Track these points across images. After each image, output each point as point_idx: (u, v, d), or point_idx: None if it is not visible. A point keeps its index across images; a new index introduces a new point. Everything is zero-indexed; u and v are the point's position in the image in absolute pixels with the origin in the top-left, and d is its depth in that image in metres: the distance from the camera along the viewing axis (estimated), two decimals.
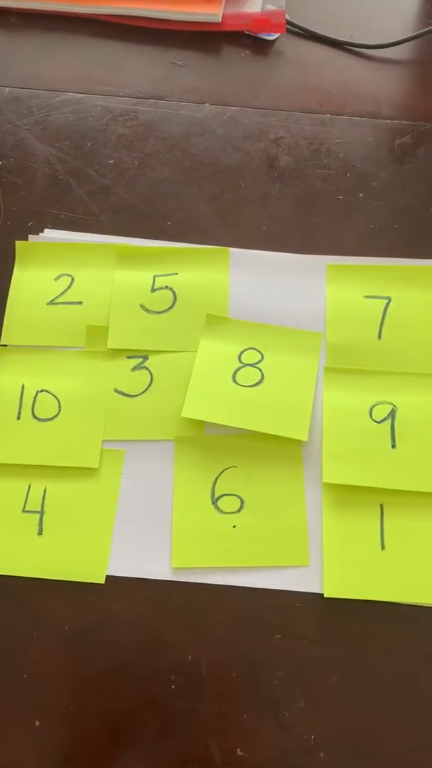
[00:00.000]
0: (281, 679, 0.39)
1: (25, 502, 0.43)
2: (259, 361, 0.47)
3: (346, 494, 0.43)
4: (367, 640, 0.40)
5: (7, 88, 0.60)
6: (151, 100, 0.60)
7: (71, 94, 0.60)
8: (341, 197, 0.54)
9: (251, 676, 0.39)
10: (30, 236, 0.52)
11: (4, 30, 0.64)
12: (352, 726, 0.38)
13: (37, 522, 0.43)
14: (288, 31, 0.64)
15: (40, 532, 0.43)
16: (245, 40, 0.63)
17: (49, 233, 0.52)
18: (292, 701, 0.38)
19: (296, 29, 0.64)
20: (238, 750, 0.37)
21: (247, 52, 0.63)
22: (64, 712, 0.38)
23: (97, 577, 0.41)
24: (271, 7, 0.64)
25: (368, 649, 0.39)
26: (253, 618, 0.40)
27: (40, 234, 0.52)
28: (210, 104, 0.59)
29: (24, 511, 0.43)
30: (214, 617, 0.40)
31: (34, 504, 0.43)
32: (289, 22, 0.63)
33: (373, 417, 0.45)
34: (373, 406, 0.45)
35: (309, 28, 0.63)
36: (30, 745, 0.37)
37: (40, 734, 0.38)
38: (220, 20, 0.63)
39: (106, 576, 0.41)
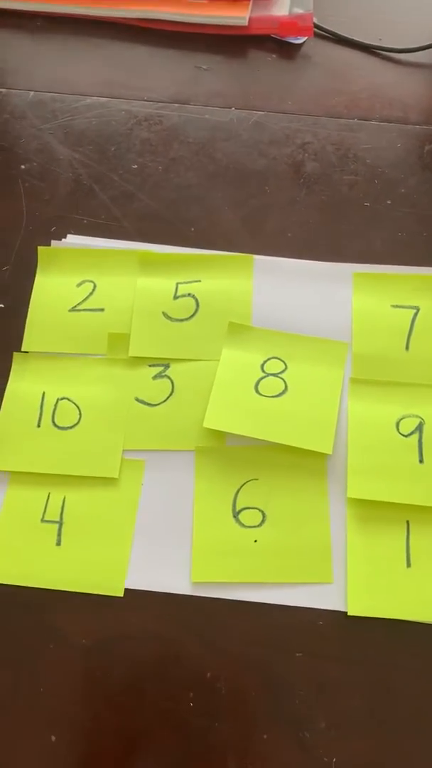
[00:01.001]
0: (302, 699, 0.38)
1: (44, 511, 0.43)
2: (283, 371, 0.46)
3: (372, 510, 0.42)
4: (391, 660, 0.39)
5: (32, 92, 0.60)
6: (176, 105, 0.59)
7: (95, 98, 0.59)
8: (368, 204, 0.53)
9: (271, 695, 0.38)
10: (53, 242, 0.51)
11: (30, 33, 0.64)
12: (375, 749, 0.37)
13: (56, 532, 0.42)
14: (315, 34, 0.63)
15: (58, 543, 0.42)
16: (272, 43, 0.63)
17: (71, 239, 0.52)
18: (313, 722, 0.37)
19: (324, 32, 0.63)
20: None
21: (274, 56, 0.62)
22: (79, 728, 0.37)
23: (115, 590, 0.40)
24: (298, 11, 0.63)
25: (392, 670, 0.38)
26: (274, 635, 0.39)
27: (63, 240, 0.52)
28: (235, 109, 0.59)
29: (43, 520, 0.43)
30: (234, 633, 0.39)
31: (53, 514, 0.43)
32: (316, 26, 0.62)
33: (400, 430, 0.44)
34: (400, 419, 0.44)
35: (337, 31, 0.62)
36: (46, 761, 0.37)
37: (55, 749, 0.37)
38: (246, 23, 0.62)
39: (125, 589, 0.40)
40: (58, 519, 0.43)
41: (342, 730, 0.37)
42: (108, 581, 0.41)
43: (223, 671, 0.38)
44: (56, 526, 0.42)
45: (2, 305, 0.49)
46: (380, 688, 0.38)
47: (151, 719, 0.37)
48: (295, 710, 0.37)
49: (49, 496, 0.43)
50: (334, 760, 0.36)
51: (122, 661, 0.39)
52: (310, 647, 0.39)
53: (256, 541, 0.42)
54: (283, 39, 0.62)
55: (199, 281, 0.49)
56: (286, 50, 0.62)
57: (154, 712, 0.38)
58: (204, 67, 0.61)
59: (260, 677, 0.38)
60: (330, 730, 0.37)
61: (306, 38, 0.62)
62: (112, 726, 0.37)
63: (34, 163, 0.56)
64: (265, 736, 0.37)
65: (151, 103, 0.59)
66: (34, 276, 0.50)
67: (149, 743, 0.37)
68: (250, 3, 0.63)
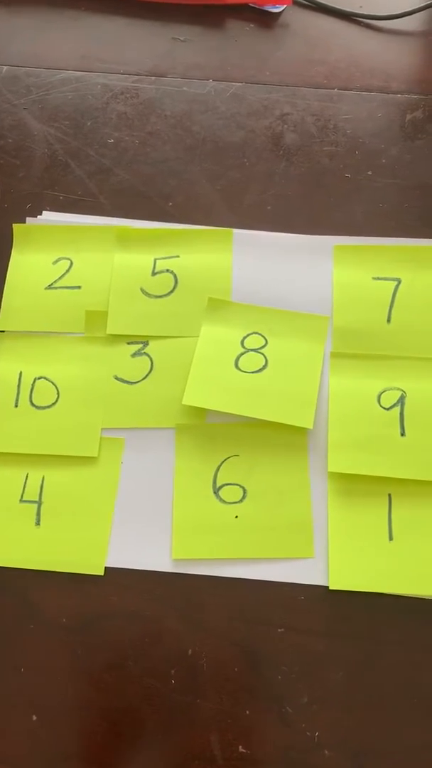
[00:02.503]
0: (284, 674, 0.38)
1: (23, 491, 0.42)
2: (263, 347, 0.46)
3: (353, 484, 0.41)
4: (373, 634, 0.38)
5: (5, 67, 0.58)
6: (153, 77, 0.58)
7: (70, 72, 0.58)
8: (349, 175, 0.52)
9: (253, 671, 0.38)
10: (28, 219, 0.50)
11: (3, 5, 0.62)
12: (358, 723, 0.37)
13: (35, 512, 0.42)
14: (294, 2, 0.61)
15: (37, 523, 0.42)
16: (250, 13, 0.61)
17: (47, 215, 0.51)
18: (295, 697, 0.37)
19: (303, 1, 0.61)
20: (240, 746, 0.36)
21: (252, 25, 0.61)
22: (61, 707, 0.37)
23: (95, 568, 0.40)
24: None
25: (375, 644, 0.38)
26: (255, 611, 0.39)
27: (38, 216, 0.51)
28: (213, 80, 0.57)
29: (21, 501, 0.42)
30: (216, 610, 0.39)
31: (31, 494, 0.42)
32: None
33: (382, 404, 0.43)
34: (382, 392, 0.43)
35: None
36: (27, 740, 0.37)
37: (37, 729, 0.37)
38: None
39: (105, 568, 0.40)
40: (36, 499, 0.42)
41: (324, 705, 0.37)
42: (88, 560, 0.40)
43: (205, 648, 0.38)
44: (35, 506, 0.42)
45: None
46: (362, 662, 0.38)
47: (133, 697, 0.37)
48: (277, 685, 0.37)
49: (27, 477, 0.43)
50: (317, 734, 0.36)
51: (103, 640, 0.39)
52: (292, 622, 0.39)
53: (237, 517, 0.41)
54: (262, 8, 0.61)
55: (178, 257, 0.49)
56: (264, 19, 0.61)
57: (136, 689, 0.37)
58: (181, 38, 0.60)
59: (242, 653, 0.38)
60: (312, 704, 0.37)
61: (285, 6, 0.61)
62: (94, 704, 0.37)
63: (9, 140, 0.55)
64: (247, 712, 0.37)
65: (128, 76, 0.58)
66: (9, 254, 0.49)
67: (132, 721, 0.37)
68: None
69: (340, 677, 0.37)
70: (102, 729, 0.37)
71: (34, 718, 0.37)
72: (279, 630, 0.38)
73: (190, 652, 0.38)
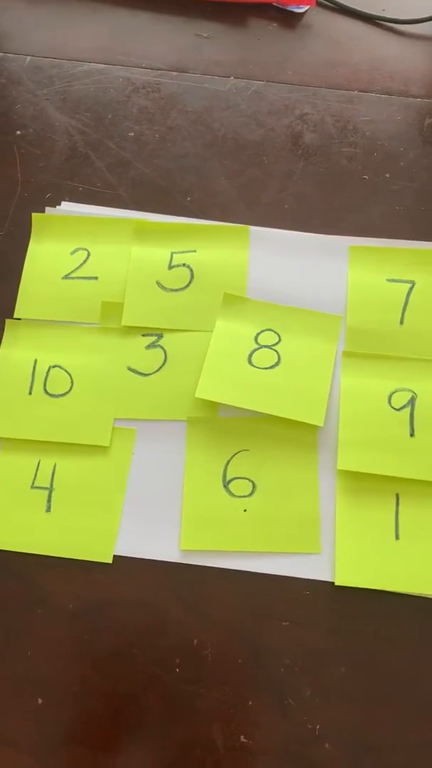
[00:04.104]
0: (287, 667, 0.38)
1: (35, 478, 0.43)
2: (276, 343, 0.46)
3: (361, 482, 0.42)
4: (376, 630, 0.39)
5: (29, 57, 0.59)
6: (175, 73, 0.58)
7: (93, 64, 0.59)
8: (367, 177, 0.52)
9: (257, 663, 0.38)
10: (47, 209, 0.51)
11: None
12: (359, 717, 0.37)
13: (46, 498, 0.42)
14: (317, 3, 0.62)
15: (48, 509, 0.42)
16: (273, 12, 0.62)
17: (66, 206, 0.51)
18: (298, 690, 0.37)
19: (326, 2, 0.62)
20: (242, 736, 0.36)
21: (275, 24, 0.61)
22: (66, 692, 0.38)
23: (104, 556, 0.40)
24: None
25: (378, 640, 0.39)
26: (261, 604, 0.39)
27: (57, 207, 0.51)
28: (235, 78, 0.58)
29: (33, 487, 0.43)
30: (222, 602, 0.39)
31: (43, 480, 0.43)
32: None
33: (392, 404, 0.44)
34: (393, 392, 0.44)
35: (340, 0, 0.61)
36: (32, 723, 0.37)
37: (42, 712, 0.37)
38: None
39: (114, 556, 0.40)
40: (48, 486, 0.43)
41: (326, 698, 0.37)
42: (97, 548, 0.41)
43: (210, 638, 0.39)
44: (46, 492, 0.42)
45: None
46: (365, 657, 0.38)
47: (137, 684, 0.38)
48: (280, 678, 0.38)
49: (39, 463, 0.43)
50: (318, 726, 0.37)
51: (110, 627, 0.39)
52: (296, 616, 0.39)
53: (245, 510, 0.42)
54: (285, 7, 0.61)
55: (195, 251, 0.49)
56: (287, 19, 0.61)
57: (141, 677, 0.38)
58: (204, 35, 0.60)
59: (246, 645, 0.38)
60: (314, 698, 0.37)
61: (308, 7, 0.61)
62: (98, 690, 0.38)
63: (30, 130, 0.55)
64: (249, 703, 0.37)
65: (150, 70, 0.58)
66: (27, 243, 0.50)
67: (136, 707, 0.37)
68: None
69: (343, 672, 0.38)
70: (106, 714, 0.37)
71: (40, 701, 0.37)
72: (283, 623, 0.39)
73: (195, 642, 0.38)
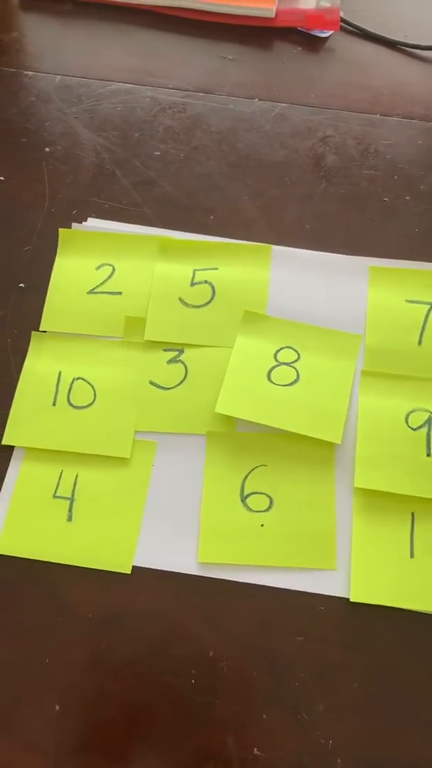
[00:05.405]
0: (302, 681, 0.38)
1: (57, 487, 0.44)
2: (295, 361, 0.47)
3: (377, 500, 0.42)
4: (390, 647, 0.39)
5: (58, 76, 0.60)
6: (200, 94, 0.59)
7: (121, 84, 0.60)
8: (387, 199, 0.53)
9: (272, 676, 0.39)
10: (74, 224, 0.52)
11: (59, 17, 0.64)
12: (372, 734, 0.37)
13: (67, 508, 0.43)
14: (341, 28, 0.63)
15: (69, 519, 0.43)
16: (298, 36, 0.63)
17: (92, 222, 0.52)
18: (311, 704, 0.38)
19: (350, 27, 0.63)
20: (255, 749, 0.37)
21: (299, 48, 0.62)
22: (83, 699, 0.38)
23: (123, 567, 0.41)
24: (325, 4, 0.63)
25: (391, 657, 0.39)
26: (276, 618, 0.40)
27: (84, 223, 0.52)
28: (259, 100, 0.59)
29: (55, 496, 0.43)
30: (238, 615, 0.40)
31: (65, 490, 0.44)
32: (342, 20, 0.63)
33: (409, 424, 0.44)
34: (410, 412, 0.45)
35: (363, 26, 0.63)
36: (49, 729, 0.38)
37: (59, 719, 0.38)
38: (273, 15, 0.63)
39: (133, 567, 0.41)
40: (69, 495, 0.43)
41: (340, 714, 0.38)
42: (116, 558, 0.41)
43: (226, 651, 0.39)
44: (68, 502, 0.43)
45: (23, 285, 0.50)
46: (379, 674, 0.39)
47: (153, 694, 0.38)
48: (294, 692, 0.38)
49: (62, 473, 0.44)
50: (331, 742, 0.37)
51: (127, 637, 0.40)
52: (312, 631, 0.39)
53: (262, 525, 0.42)
54: (309, 32, 0.63)
55: (217, 269, 0.50)
56: (311, 43, 0.63)
57: (157, 687, 0.38)
58: (230, 57, 0.62)
59: (261, 658, 0.39)
60: (328, 713, 0.38)
61: (332, 32, 0.63)
62: (115, 699, 0.38)
63: (59, 147, 0.57)
64: (264, 716, 0.38)
65: (176, 91, 0.60)
66: (54, 257, 0.51)
67: (151, 717, 0.38)
68: None
69: (357, 688, 0.38)
70: (121, 723, 0.38)
71: (57, 707, 0.38)
72: (298, 638, 0.39)
73: (211, 654, 0.39)
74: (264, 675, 0.39)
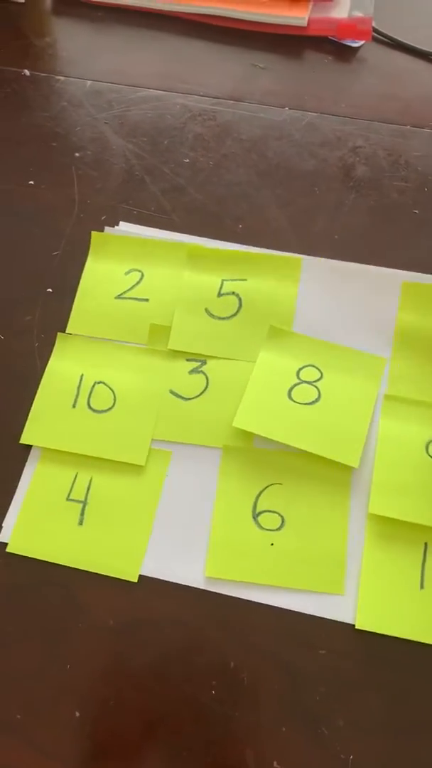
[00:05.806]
0: (322, 696, 0.38)
1: (71, 490, 0.44)
2: (318, 380, 0.46)
3: (391, 528, 0.42)
4: (411, 665, 0.39)
5: (89, 81, 0.61)
6: (231, 101, 0.59)
7: (151, 90, 0.60)
8: (417, 211, 0.53)
9: (292, 689, 0.38)
10: (106, 228, 0.52)
11: (91, 24, 0.65)
12: (392, 750, 0.37)
13: (79, 512, 0.43)
14: (373, 38, 0.63)
15: (80, 522, 0.43)
16: (329, 45, 0.63)
17: (123, 226, 0.52)
18: (331, 719, 0.38)
19: (382, 37, 0.63)
20: (275, 762, 0.37)
21: (330, 58, 0.62)
22: (103, 706, 0.38)
23: (130, 575, 0.41)
24: (358, 14, 0.63)
25: (413, 675, 0.39)
26: (298, 632, 0.40)
27: (116, 227, 0.52)
28: (289, 108, 0.59)
29: (68, 499, 0.43)
30: (259, 626, 0.40)
31: (78, 493, 0.44)
32: (375, 30, 0.62)
33: (429, 452, 0.43)
34: (430, 441, 0.44)
35: (395, 36, 0.62)
36: (69, 734, 0.38)
37: (79, 724, 0.38)
38: (305, 24, 0.62)
39: (139, 576, 0.41)
40: (83, 499, 0.43)
41: (360, 730, 0.38)
42: (124, 565, 0.41)
43: (247, 662, 0.39)
44: (80, 505, 0.43)
45: (50, 290, 0.50)
46: (399, 691, 0.38)
47: (172, 703, 0.38)
48: (314, 706, 0.38)
49: (76, 476, 0.44)
50: (351, 757, 0.37)
51: (147, 645, 0.40)
52: (333, 646, 0.39)
53: (272, 544, 0.42)
54: (341, 41, 0.63)
55: (245, 280, 0.50)
56: (343, 53, 0.62)
57: (177, 696, 0.38)
58: (261, 65, 0.62)
59: (282, 671, 0.39)
60: (348, 728, 0.38)
61: (364, 42, 0.62)
62: (134, 706, 0.38)
63: (88, 152, 0.57)
64: (283, 729, 0.38)
65: (206, 98, 0.60)
66: (82, 262, 0.51)
67: (170, 726, 0.38)
68: (310, 4, 0.63)
69: (377, 704, 0.38)
70: (140, 730, 0.38)
71: (77, 714, 0.38)
72: (320, 652, 0.39)
73: (232, 664, 0.39)
74: (284, 688, 0.39)
